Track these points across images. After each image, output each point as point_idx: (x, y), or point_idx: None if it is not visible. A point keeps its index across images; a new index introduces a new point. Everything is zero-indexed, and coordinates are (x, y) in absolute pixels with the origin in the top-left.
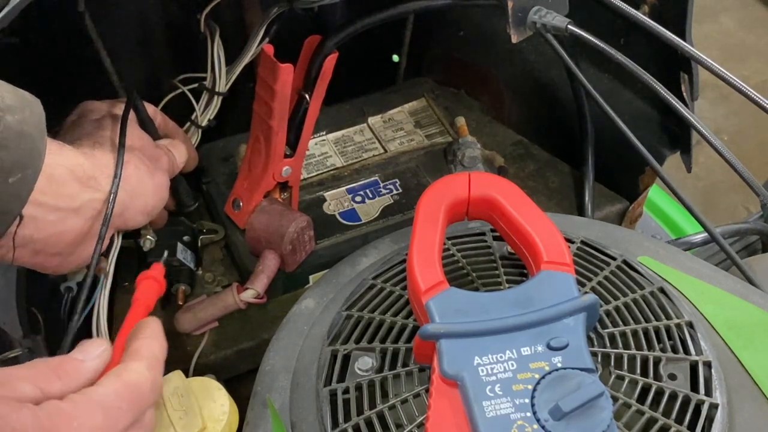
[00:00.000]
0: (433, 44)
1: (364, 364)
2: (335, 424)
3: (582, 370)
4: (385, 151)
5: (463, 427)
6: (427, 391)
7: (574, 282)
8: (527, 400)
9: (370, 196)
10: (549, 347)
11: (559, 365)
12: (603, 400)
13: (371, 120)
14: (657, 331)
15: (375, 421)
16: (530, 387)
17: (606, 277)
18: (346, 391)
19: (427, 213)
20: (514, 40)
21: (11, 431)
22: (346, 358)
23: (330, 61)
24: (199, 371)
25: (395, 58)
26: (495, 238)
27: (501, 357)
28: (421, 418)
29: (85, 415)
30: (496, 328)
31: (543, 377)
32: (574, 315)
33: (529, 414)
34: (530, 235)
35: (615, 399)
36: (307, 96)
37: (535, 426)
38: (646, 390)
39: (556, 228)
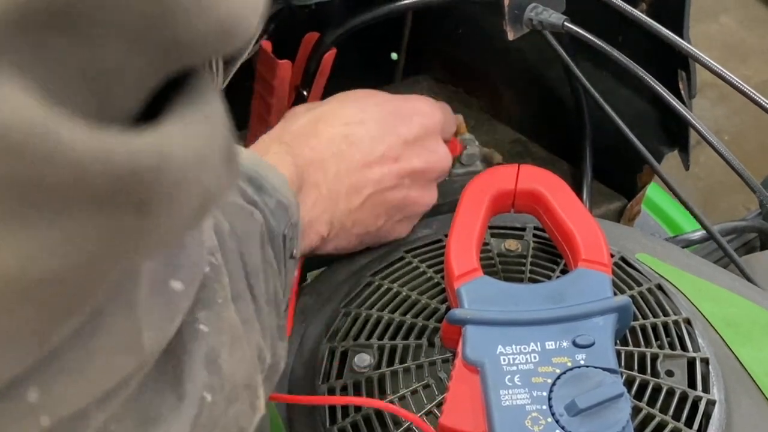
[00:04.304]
0: (432, 43)
1: (362, 361)
2: (333, 420)
3: (605, 369)
4: None
5: (478, 413)
6: (424, 387)
7: (609, 283)
8: (545, 393)
9: None
10: (574, 344)
11: (582, 363)
12: (622, 401)
13: None
14: (654, 327)
15: (373, 418)
16: (549, 381)
17: None
18: (343, 387)
19: (471, 201)
20: (511, 37)
21: None
22: (344, 355)
23: (328, 58)
24: None
25: (394, 56)
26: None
27: (524, 348)
28: (419, 413)
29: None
30: (523, 320)
31: (564, 372)
32: (604, 315)
33: (544, 407)
34: (571, 231)
35: None
36: (305, 93)
37: (549, 420)
38: (643, 386)
39: (600, 228)
